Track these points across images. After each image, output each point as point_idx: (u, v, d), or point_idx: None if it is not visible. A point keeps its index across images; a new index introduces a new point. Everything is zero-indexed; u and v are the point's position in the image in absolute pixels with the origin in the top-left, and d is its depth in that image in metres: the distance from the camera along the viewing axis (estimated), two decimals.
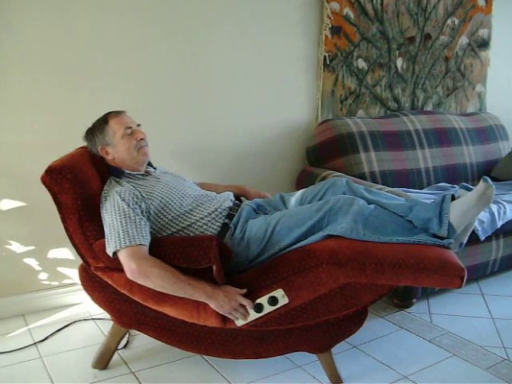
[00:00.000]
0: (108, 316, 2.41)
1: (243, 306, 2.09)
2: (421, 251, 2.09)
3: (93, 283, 2.33)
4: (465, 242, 2.32)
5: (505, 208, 3.22)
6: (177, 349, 2.35)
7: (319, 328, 2.22)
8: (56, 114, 2.86)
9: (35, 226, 2.90)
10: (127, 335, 2.65)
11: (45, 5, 2.74)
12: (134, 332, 2.67)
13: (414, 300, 3.08)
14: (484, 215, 3.05)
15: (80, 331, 2.79)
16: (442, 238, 2.17)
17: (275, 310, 2.10)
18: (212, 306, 2.06)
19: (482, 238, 3.03)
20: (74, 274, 2.95)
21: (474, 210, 2.17)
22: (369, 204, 2.28)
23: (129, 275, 2.06)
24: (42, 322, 2.87)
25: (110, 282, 2.24)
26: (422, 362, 2.52)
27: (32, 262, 2.95)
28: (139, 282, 2.08)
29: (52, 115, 2.85)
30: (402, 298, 3.06)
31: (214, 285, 2.07)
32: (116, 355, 2.49)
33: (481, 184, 2.15)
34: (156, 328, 2.29)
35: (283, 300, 2.10)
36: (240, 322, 2.11)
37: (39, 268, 2.97)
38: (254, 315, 2.10)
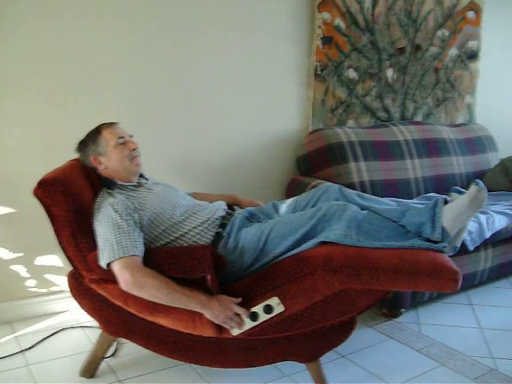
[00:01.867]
0: (96, 324, 2.40)
1: (238, 315, 2.08)
2: (415, 256, 2.09)
3: (81, 290, 2.32)
4: (459, 245, 2.33)
5: (493, 218, 3.23)
6: (165, 357, 2.34)
7: (308, 337, 2.21)
8: (46, 121, 2.85)
9: (23, 232, 2.88)
10: (115, 343, 2.64)
11: (34, 13, 2.73)
12: (122, 340, 2.65)
13: (403, 310, 3.08)
14: (473, 225, 3.06)
15: (68, 339, 2.78)
16: (435, 242, 2.17)
17: (271, 319, 2.10)
18: (207, 315, 2.06)
19: (471, 248, 3.04)
20: (62, 281, 2.94)
21: (467, 213, 2.18)
22: (362, 210, 2.28)
23: (123, 286, 2.05)
24: (30, 329, 2.85)
25: (104, 294, 2.23)
26: (411, 372, 2.53)
27: (20, 269, 2.93)
28: (133, 293, 2.07)
29: (42, 123, 2.84)
30: (391, 308, 3.07)
31: (209, 294, 2.07)
32: (104, 363, 2.48)
33: (473, 187, 2.16)
34: (144, 336, 2.28)
35: (279, 308, 2.09)
36: (236, 331, 2.11)
37: (27, 275, 2.95)
38: (249, 324, 2.10)
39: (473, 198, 2.15)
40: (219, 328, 2.11)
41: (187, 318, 2.12)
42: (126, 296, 2.13)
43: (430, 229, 2.19)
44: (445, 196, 2.29)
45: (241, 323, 2.09)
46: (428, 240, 2.19)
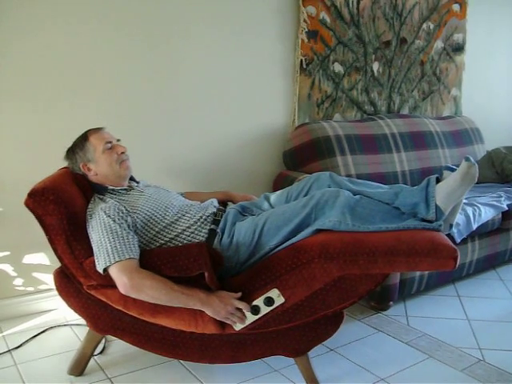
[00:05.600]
0: (84, 322, 2.39)
1: (240, 310, 2.08)
2: (412, 236, 2.08)
3: (68, 288, 2.30)
4: (454, 223, 2.31)
5: (480, 210, 3.25)
6: (154, 354, 2.34)
7: (296, 331, 2.21)
8: (29, 124, 2.83)
9: (10, 231, 2.86)
10: (104, 341, 2.63)
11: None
12: (110, 337, 2.65)
13: (391, 302, 3.10)
14: (459, 218, 3.07)
15: (56, 337, 2.77)
16: (430, 222, 2.17)
17: (272, 311, 2.10)
18: (208, 312, 2.06)
19: (458, 240, 3.05)
20: (49, 280, 2.90)
21: (460, 190, 2.17)
22: (354, 195, 2.27)
23: (121, 290, 2.04)
24: (17, 328, 2.84)
25: (103, 300, 2.22)
26: (399, 364, 2.54)
27: (7, 268, 2.91)
28: (133, 296, 2.06)
29: (25, 126, 2.82)
30: (379, 301, 3.08)
31: (208, 291, 2.06)
32: (92, 361, 2.47)
33: (464, 163, 2.15)
34: (132, 333, 2.28)
35: (279, 299, 2.09)
36: (238, 326, 2.11)
37: (14, 274, 2.94)
38: (251, 318, 2.10)
39: (464, 173, 2.14)
40: (221, 324, 2.11)
41: (189, 317, 2.12)
42: (126, 300, 2.12)
43: (425, 208, 2.18)
44: (436, 175, 2.28)
45: (242, 318, 2.09)
46: (423, 220, 2.19)
